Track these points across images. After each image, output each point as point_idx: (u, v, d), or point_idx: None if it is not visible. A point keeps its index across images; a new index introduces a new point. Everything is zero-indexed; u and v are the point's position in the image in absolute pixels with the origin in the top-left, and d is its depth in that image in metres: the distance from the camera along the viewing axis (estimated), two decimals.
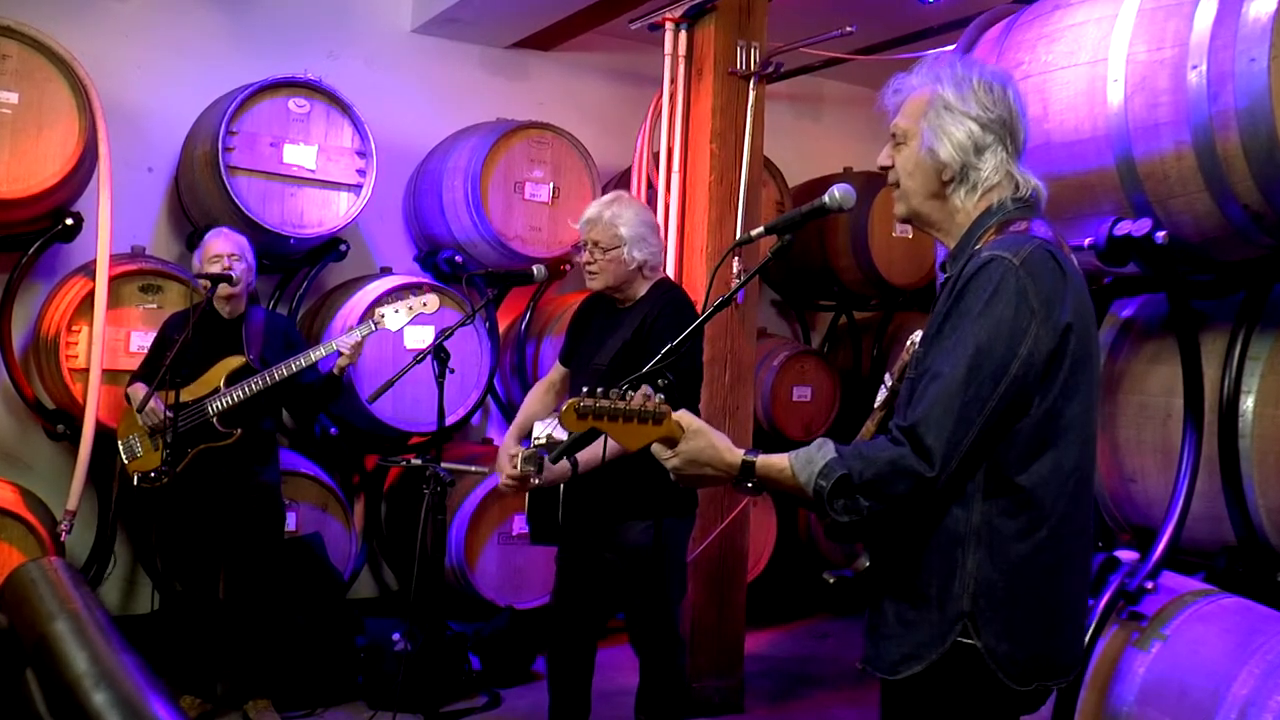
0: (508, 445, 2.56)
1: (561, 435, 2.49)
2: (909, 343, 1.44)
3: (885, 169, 1.48)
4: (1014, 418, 1.31)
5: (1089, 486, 1.41)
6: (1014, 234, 1.36)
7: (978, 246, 1.37)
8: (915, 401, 1.31)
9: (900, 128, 1.45)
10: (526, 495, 2.48)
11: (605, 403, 1.37)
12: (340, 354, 2.95)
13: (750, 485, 1.37)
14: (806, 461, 1.33)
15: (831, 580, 1.43)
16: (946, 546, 1.33)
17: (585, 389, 1.39)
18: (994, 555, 1.32)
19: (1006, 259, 1.31)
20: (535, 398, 2.70)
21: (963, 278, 1.33)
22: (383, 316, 2.94)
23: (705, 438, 1.39)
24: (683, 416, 1.40)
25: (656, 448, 1.40)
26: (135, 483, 3.02)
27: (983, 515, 1.32)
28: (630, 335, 2.45)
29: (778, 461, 1.36)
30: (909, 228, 5.31)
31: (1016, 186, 1.42)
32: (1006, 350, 1.28)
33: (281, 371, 2.93)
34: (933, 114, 1.41)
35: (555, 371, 2.73)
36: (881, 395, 1.47)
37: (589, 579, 2.54)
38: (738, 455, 1.38)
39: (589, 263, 2.51)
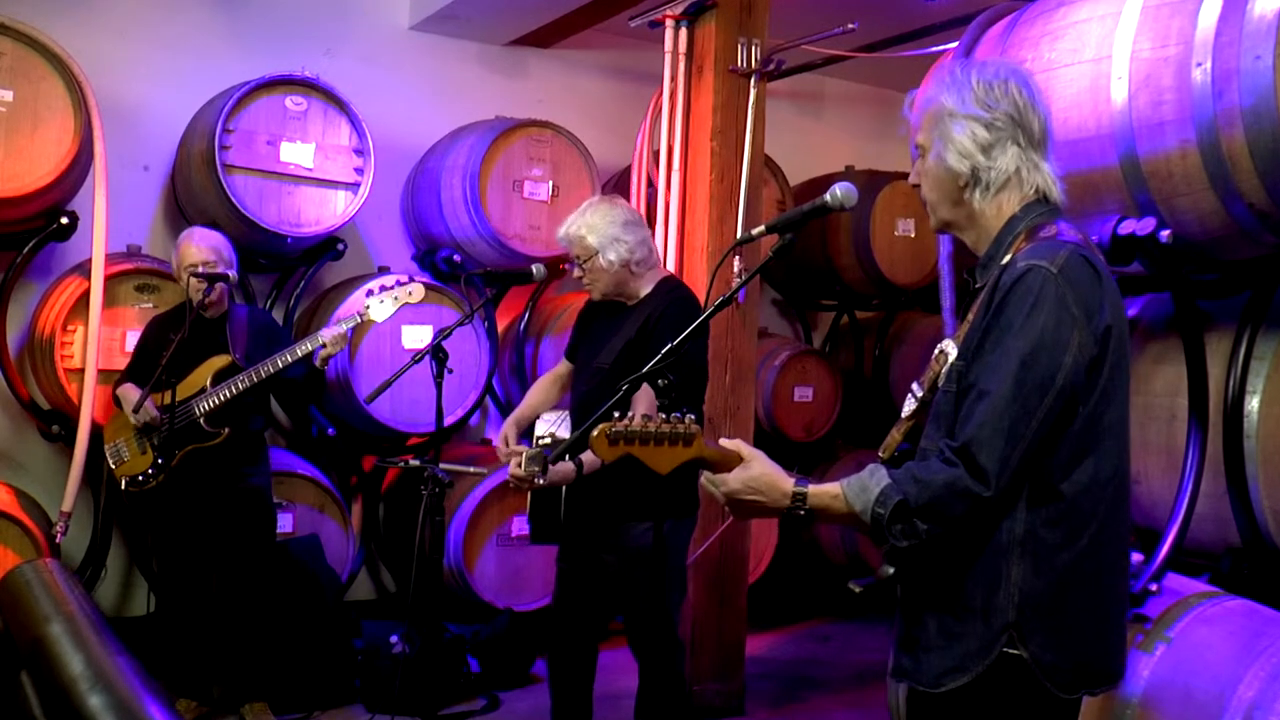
0: (507, 435, 2.55)
1: (565, 433, 2.48)
2: (937, 350, 1.43)
3: (916, 187, 1.49)
4: (1061, 427, 1.31)
5: (1126, 491, 1.40)
6: (1045, 240, 1.35)
7: (1009, 256, 1.36)
8: (963, 421, 1.30)
9: (919, 143, 1.46)
10: (529, 493, 2.46)
11: (636, 427, 1.36)
12: (323, 345, 2.93)
13: (802, 514, 1.36)
14: (861, 489, 1.32)
15: (858, 590, 1.41)
16: (990, 557, 1.33)
17: (617, 414, 1.38)
18: (1038, 565, 1.32)
19: (1044, 267, 1.30)
20: (540, 389, 2.70)
21: (1000, 289, 1.32)
22: (367, 309, 2.93)
23: (763, 464, 1.38)
24: (740, 445, 1.40)
25: (707, 476, 1.40)
26: (123, 487, 3.00)
27: (1026, 525, 1.32)
28: (634, 334, 2.44)
29: (830, 489, 1.35)
30: (911, 227, 5.25)
31: (1030, 185, 1.41)
32: (1051, 361, 1.28)
33: (267, 369, 2.91)
34: (940, 124, 1.42)
35: (562, 365, 2.72)
36: (910, 405, 1.46)
37: (590, 581, 2.53)
38: (790, 483, 1.37)
39: (579, 274, 2.52)
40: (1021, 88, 1.42)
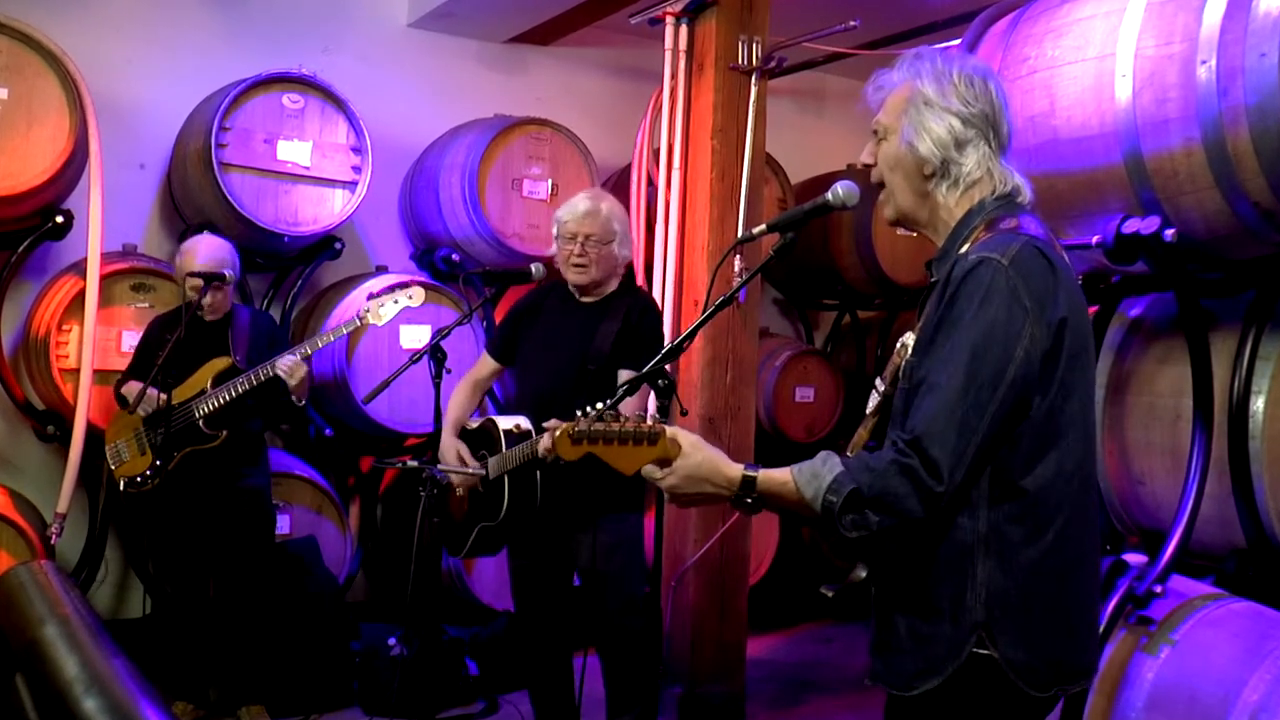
0: (455, 444, 2.57)
1: (526, 424, 2.50)
2: (899, 344, 1.41)
3: (868, 166, 1.46)
4: (1016, 421, 1.29)
5: (1092, 485, 1.38)
6: (1003, 232, 1.33)
7: (964, 248, 1.35)
8: (914, 413, 1.28)
9: (882, 124, 1.43)
10: (507, 486, 2.45)
11: (599, 426, 1.33)
12: (283, 377, 2.83)
13: (749, 501, 1.34)
14: (812, 476, 1.29)
15: (830, 594, 1.40)
16: (956, 557, 1.31)
17: (580, 411, 1.35)
18: (1004, 563, 1.30)
19: (995, 259, 1.28)
20: (463, 399, 2.70)
21: (952, 282, 1.31)
22: (366, 311, 2.90)
23: (702, 452, 1.35)
24: (678, 433, 1.36)
25: (648, 469, 1.36)
26: (122, 488, 2.99)
27: (989, 523, 1.30)
28: (620, 325, 2.48)
29: (779, 476, 1.32)
30: None
31: (1000, 183, 1.40)
32: (1003, 354, 1.26)
33: (267, 371, 2.89)
34: (913, 110, 1.39)
35: (484, 367, 2.72)
36: (873, 400, 1.44)
37: (550, 587, 2.57)
38: (737, 470, 1.34)
39: (580, 255, 2.49)
40: (997, 89, 1.41)
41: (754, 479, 1.32)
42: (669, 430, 1.36)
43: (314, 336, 3.01)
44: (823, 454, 1.32)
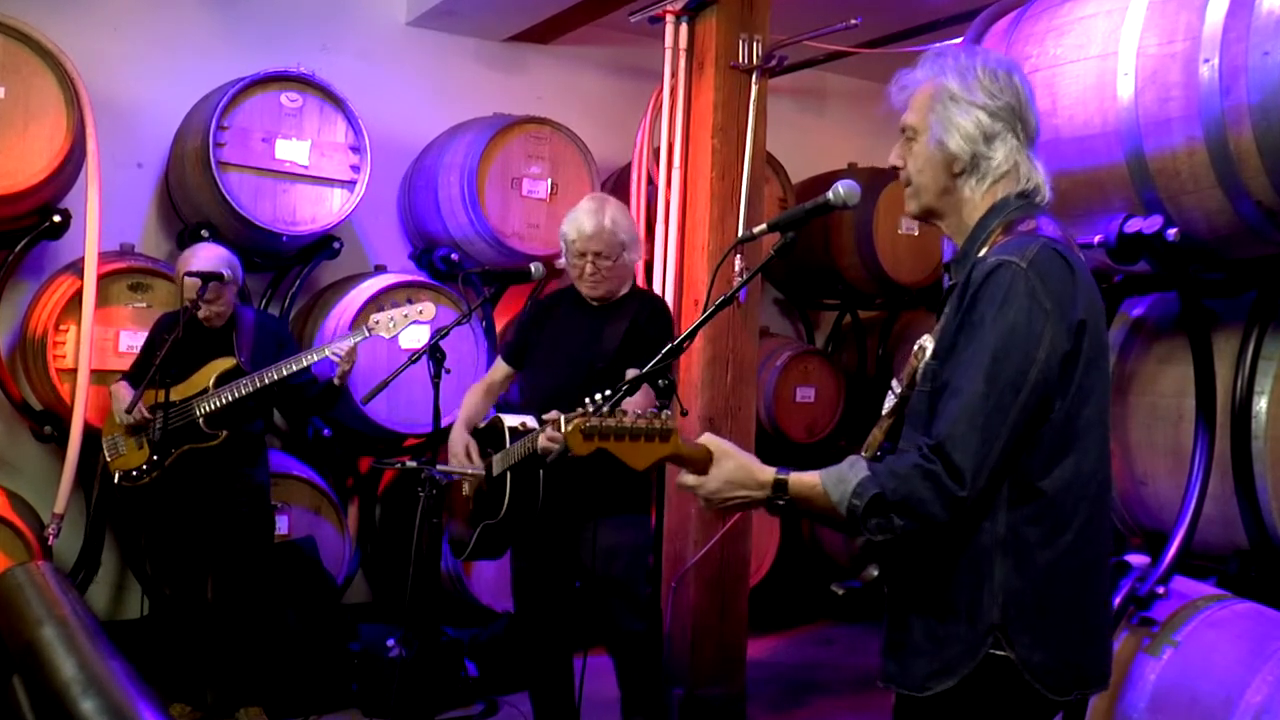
0: (465, 439, 2.57)
1: (533, 423, 2.49)
2: (917, 346, 1.41)
3: (897, 168, 1.46)
4: (1038, 423, 1.29)
5: (1108, 488, 1.39)
6: (1021, 234, 1.33)
7: (983, 251, 1.35)
8: (938, 418, 1.28)
9: (909, 124, 1.43)
10: (508, 484, 2.44)
11: (611, 422, 1.33)
12: (336, 361, 2.91)
13: (781, 504, 1.34)
14: (839, 480, 1.30)
15: (841, 592, 1.39)
16: (973, 558, 1.31)
17: (590, 404, 1.36)
18: (1021, 565, 1.30)
19: (1014, 263, 1.28)
20: (476, 401, 2.71)
21: (971, 285, 1.31)
22: (376, 323, 2.89)
23: (735, 458, 1.36)
24: (710, 440, 1.37)
25: (684, 477, 1.37)
26: (116, 481, 2.98)
27: (1008, 524, 1.30)
28: (627, 329, 2.48)
29: (808, 479, 1.33)
30: (915, 225, 5.22)
31: (1024, 179, 1.39)
32: (1024, 357, 1.26)
33: (271, 375, 2.88)
34: (939, 106, 1.39)
35: (498, 371, 2.73)
36: (890, 402, 1.44)
37: (552, 589, 2.56)
38: (769, 473, 1.35)
39: (592, 273, 2.50)
40: (1022, 81, 1.41)
41: (785, 481, 1.33)
42: (703, 437, 1.37)
43: (326, 344, 2.98)
44: (850, 458, 1.33)
